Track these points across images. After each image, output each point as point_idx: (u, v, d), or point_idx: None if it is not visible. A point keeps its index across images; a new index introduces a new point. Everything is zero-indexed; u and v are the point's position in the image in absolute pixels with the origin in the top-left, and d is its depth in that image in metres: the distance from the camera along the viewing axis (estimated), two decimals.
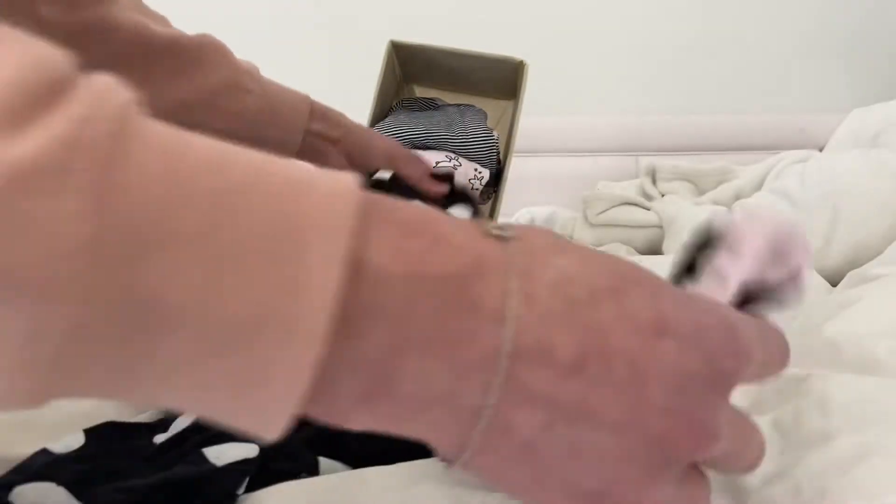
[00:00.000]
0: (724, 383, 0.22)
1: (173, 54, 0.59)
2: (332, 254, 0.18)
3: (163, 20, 0.61)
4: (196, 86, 0.61)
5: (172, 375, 0.18)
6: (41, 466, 0.37)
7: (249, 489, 0.36)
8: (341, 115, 0.71)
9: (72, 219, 0.15)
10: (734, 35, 1.69)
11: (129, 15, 0.57)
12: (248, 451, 0.37)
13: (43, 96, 0.16)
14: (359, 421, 0.21)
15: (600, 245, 1.17)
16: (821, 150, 1.35)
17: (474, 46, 0.82)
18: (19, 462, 0.38)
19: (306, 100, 0.68)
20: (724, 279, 0.28)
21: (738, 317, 0.24)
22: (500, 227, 0.22)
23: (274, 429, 0.19)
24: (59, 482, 0.34)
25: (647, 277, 0.23)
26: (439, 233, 0.20)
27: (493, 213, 0.83)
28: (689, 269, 0.30)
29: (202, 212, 0.17)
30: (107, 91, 0.17)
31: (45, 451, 0.40)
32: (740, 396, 0.38)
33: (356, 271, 0.18)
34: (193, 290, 0.17)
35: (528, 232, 0.23)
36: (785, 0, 1.68)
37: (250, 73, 0.65)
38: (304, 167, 0.19)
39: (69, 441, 0.41)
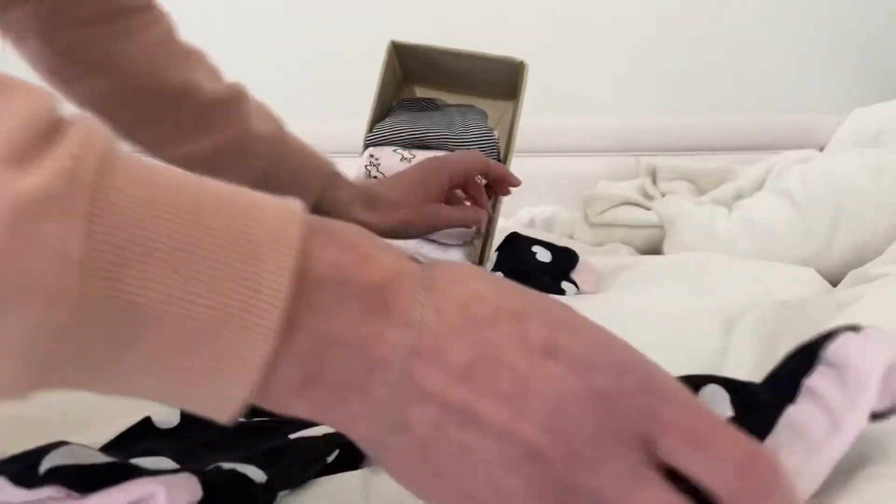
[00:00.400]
0: (613, 419, 0.22)
1: (185, 105, 0.60)
2: (283, 266, 0.22)
3: (192, 59, 0.61)
4: (202, 142, 0.62)
5: (150, 366, 0.22)
6: (146, 444, 0.40)
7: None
8: (363, 214, 0.66)
9: (72, 237, 0.19)
10: (734, 35, 1.69)
11: (148, 51, 0.58)
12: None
13: (44, 138, 0.20)
14: (295, 408, 0.24)
15: (601, 245, 1.17)
16: (821, 149, 1.35)
17: (474, 47, 0.82)
18: (120, 432, 0.41)
19: (321, 180, 0.65)
20: (830, 411, 0.26)
21: (655, 373, 0.24)
22: (421, 261, 0.26)
23: (228, 413, 0.23)
24: (167, 455, 0.37)
25: (560, 312, 0.25)
26: (369, 251, 0.25)
27: (493, 213, 0.83)
28: (785, 387, 0.28)
29: (175, 229, 0.21)
30: (92, 130, 0.21)
31: (147, 421, 0.42)
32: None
33: (300, 279, 0.22)
34: (168, 295, 0.20)
35: (454, 264, 0.26)
36: (785, 0, 1.68)
37: (263, 138, 0.64)
38: (257, 194, 0.23)
39: (170, 417, 0.43)
